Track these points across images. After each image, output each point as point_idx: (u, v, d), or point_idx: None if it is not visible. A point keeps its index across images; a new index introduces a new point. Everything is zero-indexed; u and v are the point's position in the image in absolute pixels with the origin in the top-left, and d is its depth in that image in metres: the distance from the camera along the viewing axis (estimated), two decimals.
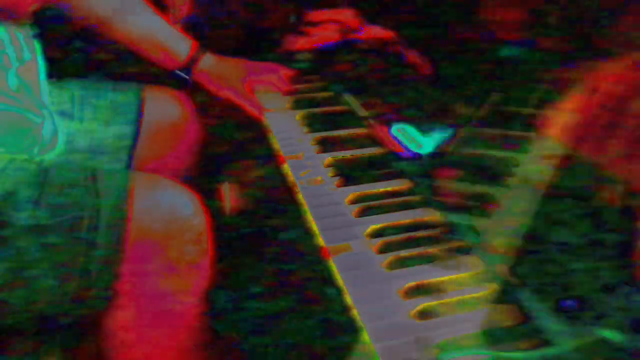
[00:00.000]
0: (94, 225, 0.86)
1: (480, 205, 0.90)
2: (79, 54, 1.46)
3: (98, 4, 1.20)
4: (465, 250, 0.83)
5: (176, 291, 0.93)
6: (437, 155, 1.02)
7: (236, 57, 1.32)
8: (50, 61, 1.09)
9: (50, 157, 1.05)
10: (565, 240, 0.82)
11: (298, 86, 1.30)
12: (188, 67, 1.26)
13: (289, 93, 1.27)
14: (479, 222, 0.87)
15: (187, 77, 1.26)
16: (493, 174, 0.96)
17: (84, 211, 0.87)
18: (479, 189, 0.94)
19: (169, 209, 0.90)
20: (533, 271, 0.78)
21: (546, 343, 0.68)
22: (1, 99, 0.96)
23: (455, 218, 0.88)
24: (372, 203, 0.94)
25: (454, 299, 0.76)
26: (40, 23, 1.05)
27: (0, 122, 0.96)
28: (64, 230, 0.86)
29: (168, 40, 1.24)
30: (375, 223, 0.89)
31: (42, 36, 1.07)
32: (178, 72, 1.26)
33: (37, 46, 1.07)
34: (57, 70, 1.13)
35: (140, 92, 1.25)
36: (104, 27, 1.22)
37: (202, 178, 1.31)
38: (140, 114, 1.22)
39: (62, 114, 1.13)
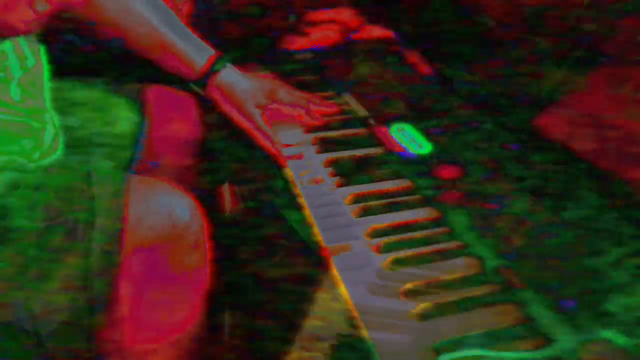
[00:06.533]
0: (89, 230, 0.86)
1: (482, 205, 0.90)
2: (82, 53, 1.46)
3: (117, 14, 1.11)
4: (464, 250, 0.83)
5: (174, 297, 0.92)
6: (438, 154, 1.02)
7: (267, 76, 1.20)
8: (53, 62, 1.09)
9: (49, 160, 1.05)
10: (566, 240, 0.82)
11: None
12: (203, 80, 1.14)
13: (313, 130, 1.16)
14: (480, 221, 0.87)
15: (199, 91, 1.16)
16: (492, 172, 0.97)
17: (79, 214, 0.86)
18: (480, 188, 0.94)
19: (165, 214, 0.90)
20: (533, 271, 0.78)
21: (546, 343, 0.68)
22: (4, 111, 0.95)
23: (455, 217, 0.89)
24: (372, 203, 0.94)
25: (454, 299, 0.76)
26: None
27: (2, 132, 0.96)
28: (59, 234, 0.85)
29: (184, 48, 1.13)
30: (375, 223, 0.89)
31: (46, 38, 1.06)
32: (192, 84, 1.15)
33: (42, 50, 1.06)
34: (60, 71, 1.12)
35: (141, 92, 1.24)
36: (120, 35, 1.13)
37: (201, 178, 1.31)
38: (142, 114, 1.21)
39: (63, 114, 1.13)
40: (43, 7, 0.81)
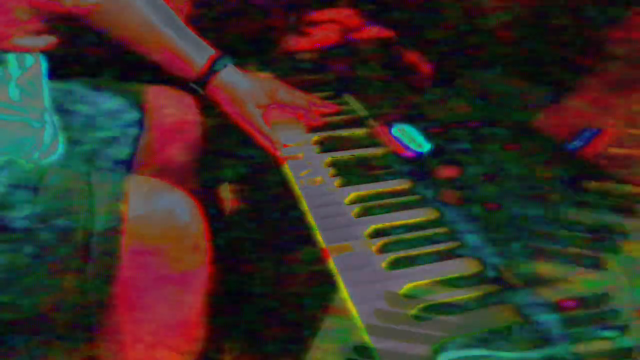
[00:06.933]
0: (89, 230, 0.86)
1: (481, 205, 0.90)
2: (82, 53, 1.45)
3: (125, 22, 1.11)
4: (464, 250, 0.83)
5: (174, 298, 0.92)
6: (438, 154, 1.02)
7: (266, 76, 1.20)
8: (53, 60, 1.08)
9: (49, 160, 1.05)
10: (566, 240, 0.82)
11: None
12: (203, 80, 1.13)
13: (313, 129, 1.15)
14: (480, 221, 0.87)
15: (199, 91, 1.15)
16: (492, 172, 0.97)
17: (78, 215, 0.86)
18: (480, 188, 0.94)
19: (166, 215, 0.90)
20: (533, 271, 0.78)
21: (546, 343, 0.68)
22: (3, 110, 0.95)
23: (455, 217, 0.89)
24: (372, 203, 0.94)
25: (454, 299, 0.76)
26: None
27: (2, 132, 0.96)
28: (58, 235, 0.85)
29: (184, 48, 1.12)
30: (375, 223, 0.89)
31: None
32: (192, 84, 1.14)
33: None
34: (61, 70, 1.12)
35: (141, 92, 1.23)
36: (120, 35, 1.13)
37: (201, 178, 1.31)
38: (142, 114, 1.21)
39: (63, 113, 1.13)
40: (24, 15, 0.80)
